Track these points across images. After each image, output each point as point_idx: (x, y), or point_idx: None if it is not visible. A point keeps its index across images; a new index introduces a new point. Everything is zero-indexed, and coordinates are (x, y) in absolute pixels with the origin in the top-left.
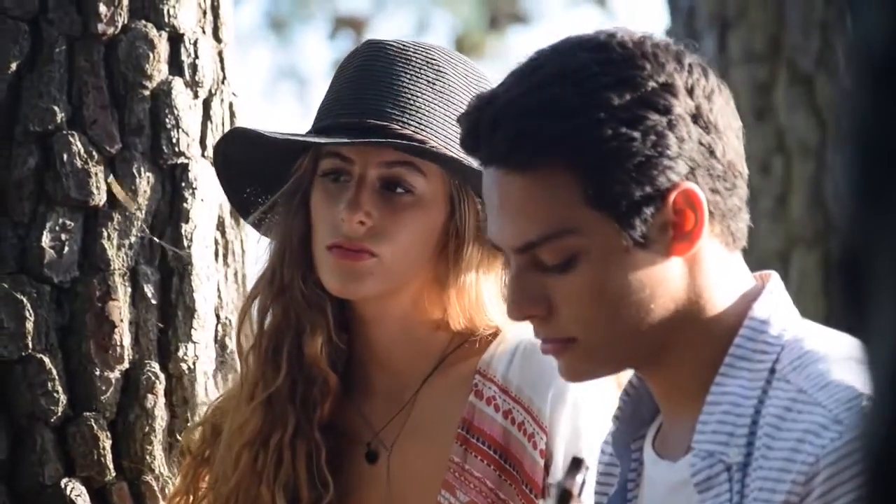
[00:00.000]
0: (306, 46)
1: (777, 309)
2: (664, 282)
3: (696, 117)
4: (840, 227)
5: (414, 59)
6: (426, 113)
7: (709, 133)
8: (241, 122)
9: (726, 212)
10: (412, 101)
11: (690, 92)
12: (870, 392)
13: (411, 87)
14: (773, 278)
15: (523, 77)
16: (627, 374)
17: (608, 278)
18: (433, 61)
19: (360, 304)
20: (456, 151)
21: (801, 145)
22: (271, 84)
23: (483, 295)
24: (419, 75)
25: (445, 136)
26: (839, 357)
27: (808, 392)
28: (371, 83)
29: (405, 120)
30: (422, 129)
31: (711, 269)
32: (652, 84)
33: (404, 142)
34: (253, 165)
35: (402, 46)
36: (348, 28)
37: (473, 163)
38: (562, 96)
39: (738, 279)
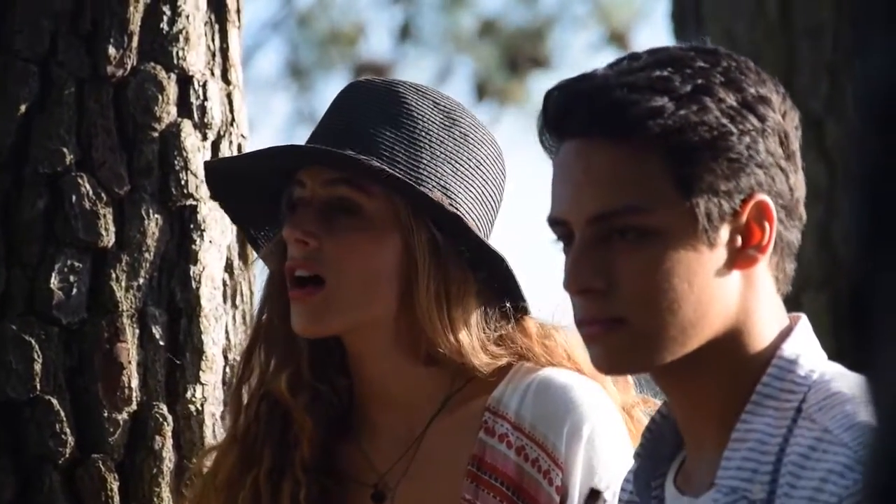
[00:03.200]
0: (328, 93)
1: (806, 349)
2: (721, 291)
3: (783, 141)
4: (848, 268)
5: (377, 90)
6: (374, 135)
7: (789, 160)
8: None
9: (784, 247)
10: (362, 125)
11: (783, 115)
12: (872, 429)
13: (361, 113)
14: (803, 319)
15: (625, 62)
16: (631, 400)
17: (674, 265)
18: (395, 91)
19: (348, 342)
20: (403, 172)
21: (810, 188)
22: (291, 131)
23: (452, 330)
24: (374, 103)
25: (392, 159)
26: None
27: (834, 432)
28: (330, 114)
29: (351, 140)
30: (366, 150)
31: (762, 298)
32: (753, 92)
33: (323, 148)
34: (251, 206)
35: (368, 81)
36: (370, 75)
37: (429, 191)
38: (670, 78)
39: (778, 317)
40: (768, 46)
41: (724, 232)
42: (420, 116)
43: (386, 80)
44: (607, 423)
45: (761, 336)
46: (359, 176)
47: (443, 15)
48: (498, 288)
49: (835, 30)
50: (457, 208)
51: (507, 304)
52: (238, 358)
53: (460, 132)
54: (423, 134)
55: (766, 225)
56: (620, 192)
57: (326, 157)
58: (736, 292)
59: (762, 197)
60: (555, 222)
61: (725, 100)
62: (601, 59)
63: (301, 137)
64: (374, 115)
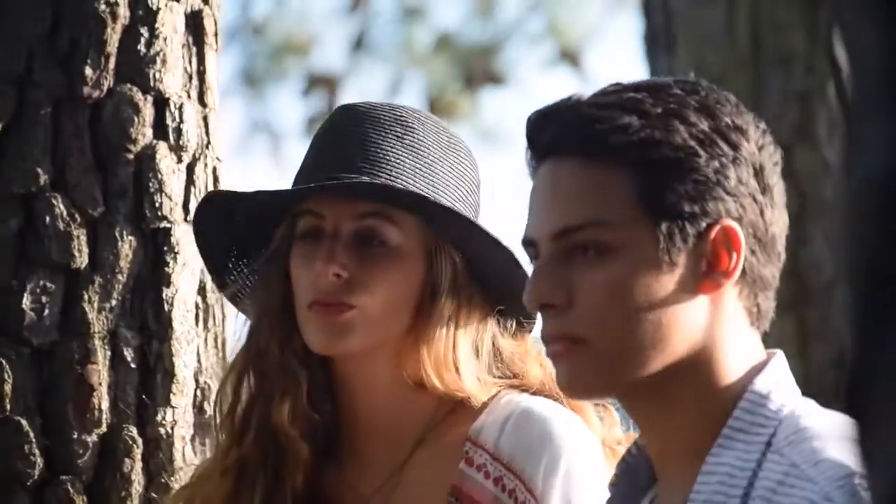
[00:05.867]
0: (280, 103)
1: (778, 384)
2: (684, 315)
3: (758, 173)
4: (848, 358)
5: (382, 117)
6: (396, 165)
7: (764, 194)
8: (224, 187)
9: (757, 279)
10: (381, 155)
11: (760, 149)
12: None
13: (380, 141)
14: (778, 355)
15: (604, 87)
16: (615, 438)
17: (634, 283)
18: (402, 118)
19: (343, 365)
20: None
21: None
22: (245, 139)
23: (452, 351)
24: (388, 131)
25: (416, 187)
26: (834, 436)
27: (801, 467)
28: (340, 142)
29: (374, 171)
30: (391, 179)
31: (731, 329)
32: (728, 121)
33: (364, 182)
34: (233, 235)
35: (370, 106)
36: (322, 86)
37: (443, 202)
38: (642, 100)
39: (752, 353)
40: (738, 73)
41: (688, 254)
42: (426, 141)
43: (383, 103)
44: (586, 457)
45: (731, 367)
46: (391, 208)
47: (398, 27)
48: (505, 305)
49: (805, 58)
50: (468, 216)
51: (511, 323)
52: (210, 381)
53: (457, 157)
54: (433, 159)
55: (734, 252)
56: (581, 207)
57: (366, 190)
58: (702, 318)
59: (729, 223)
60: (525, 243)
61: (697, 124)
62: (554, 75)
63: (255, 145)
64: (385, 141)
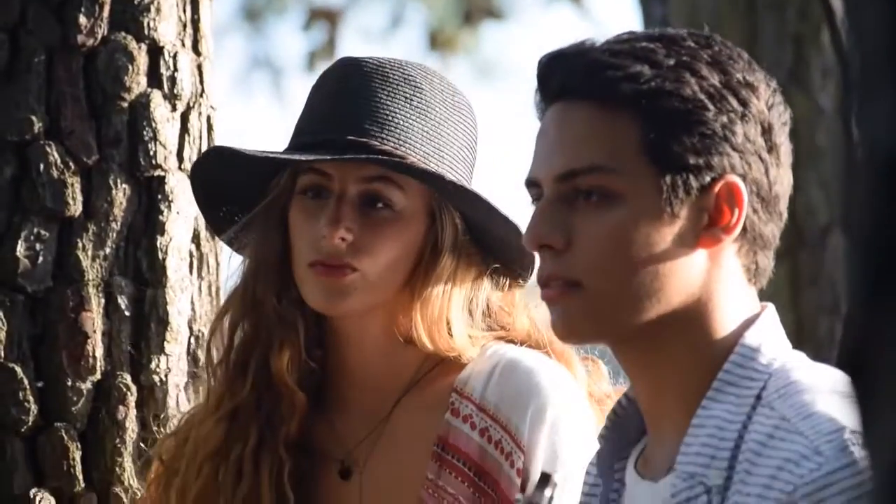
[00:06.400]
0: (280, 37)
1: (769, 338)
2: (682, 267)
3: (765, 131)
4: (848, 325)
5: (391, 75)
6: (405, 129)
7: (770, 153)
8: (218, 135)
9: (757, 237)
10: (390, 118)
11: (769, 107)
12: (870, 488)
13: (389, 103)
14: (769, 309)
15: (622, 34)
16: (602, 391)
17: (634, 232)
18: (410, 78)
19: (339, 321)
20: (435, 166)
21: None
22: (245, 74)
23: (446, 311)
24: (396, 92)
25: (424, 152)
26: (825, 389)
27: (791, 421)
28: (348, 100)
29: (384, 136)
30: (401, 145)
31: (728, 283)
32: (739, 77)
33: (384, 157)
34: (230, 183)
35: (378, 63)
36: (323, 19)
37: (454, 178)
38: (655, 51)
39: (746, 305)
40: (732, 16)
41: (690, 207)
42: (433, 102)
43: (389, 59)
44: (572, 408)
45: (725, 321)
46: (402, 174)
47: None
48: (501, 264)
49: (799, 3)
50: (478, 193)
51: (505, 280)
52: (204, 329)
53: (460, 116)
54: (439, 121)
55: (736, 208)
56: (588, 151)
57: (381, 161)
58: (700, 271)
59: (734, 179)
60: (529, 183)
61: (708, 78)
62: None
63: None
64: (395, 102)
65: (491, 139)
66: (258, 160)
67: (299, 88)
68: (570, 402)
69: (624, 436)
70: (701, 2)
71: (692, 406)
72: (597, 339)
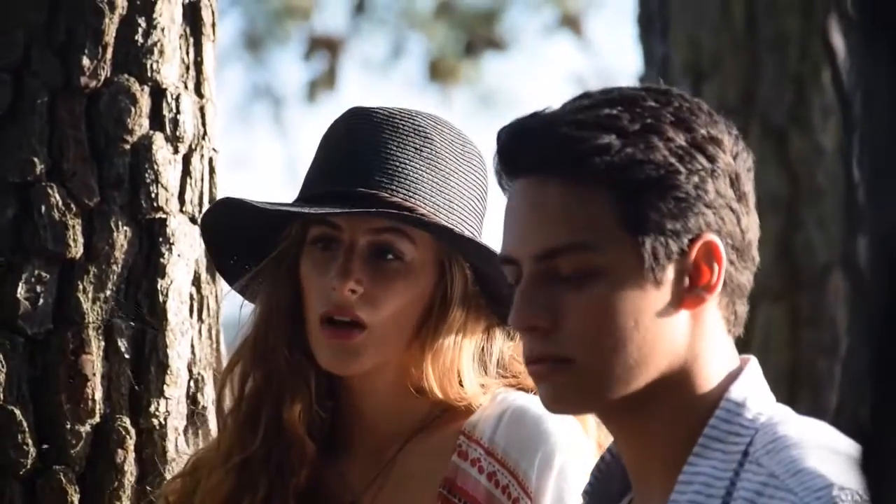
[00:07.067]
0: (281, 66)
1: (753, 392)
2: (668, 331)
3: (734, 182)
4: (860, 405)
5: (401, 126)
6: (414, 180)
7: (740, 202)
8: (220, 178)
9: (735, 288)
10: (401, 169)
11: (735, 157)
12: None
13: (399, 154)
14: (752, 362)
15: (575, 100)
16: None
17: (620, 305)
18: (420, 128)
19: (349, 376)
20: (445, 217)
21: (771, 199)
22: (246, 103)
23: (457, 362)
24: (406, 142)
25: (434, 203)
26: (813, 444)
27: (780, 477)
28: (358, 151)
29: (394, 188)
30: (411, 197)
31: (711, 339)
32: (704, 132)
33: (394, 211)
34: (241, 233)
35: (388, 113)
36: (323, 49)
37: (464, 230)
38: (619, 117)
39: (728, 358)
40: (733, 55)
41: (671, 271)
42: (443, 152)
43: (399, 109)
44: (579, 455)
45: (709, 378)
46: (412, 226)
47: None
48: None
49: (800, 41)
50: (488, 246)
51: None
52: (203, 372)
53: (469, 165)
54: (449, 171)
55: (715, 265)
56: (565, 229)
57: (391, 215)
58: (684, 332)
59: (711, 237)
60: (504, 260)
61: (675, 139)
62: (554, 41)
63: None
64: (404, 153)
65: (491, 171)
66: (268, 212)
67: (299, 118)
68: (578, 448)
69: (608, 491)
70: (702, 40)
71: (678, 462)
72: (587, 410)
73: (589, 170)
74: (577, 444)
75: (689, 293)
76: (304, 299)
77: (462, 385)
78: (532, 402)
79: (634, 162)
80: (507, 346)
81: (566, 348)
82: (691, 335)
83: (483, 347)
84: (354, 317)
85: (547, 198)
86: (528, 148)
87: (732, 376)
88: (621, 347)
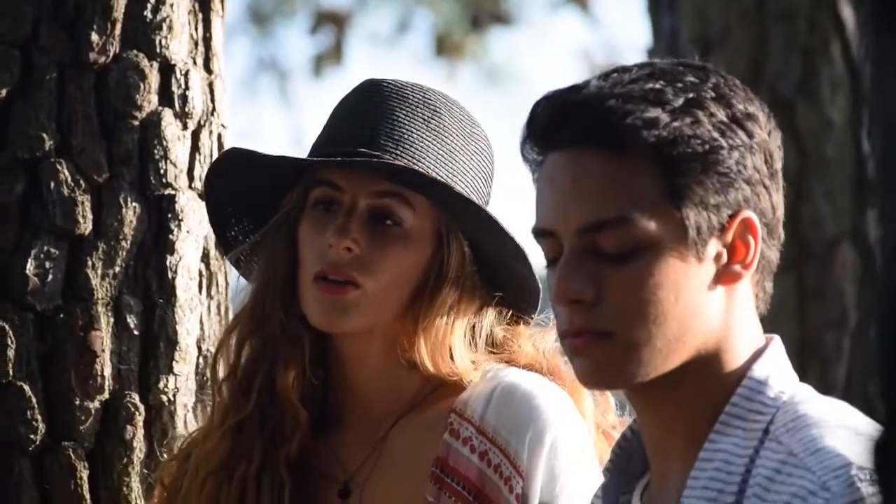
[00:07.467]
0: (287, 41)
1: (776, 370)
2: (705, 307)
3: (767, 159)
4: (878, 413)
5: (410, 97)
6: (420, 147)
7: (772, 179)
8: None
9: (766, 265)
10: (406, 136)
11: (769, 134)
12: None
13: (406, 122)
14: (776, 340)
15: (612, 74)
16: (609, 422)
17: (662, 277)
18: (429, 102)
19: (339, 341)
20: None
21: None
22: (252, 77)
23: (449, 337)
24: (415, 112)
25: (437, 172)
26: (833, 424)
27: (799, 456)
28: (366, 117)
29: (398, 152)
30: (415, 163)
31: (742, 316)
32: (742, 108)
33: (394, 163)
34: (242, 197)
35: (399, 84)
36: (330, 23)
37: (464, 193)
38: (663, 91)
39: (755, 336)
40: (741, 28)
41: (713, 246)
42: (450, 128)
43: (411, 83)
44: (570, 432)
45: (737, 355)
46: (412, 189)
47: None
48: (506, 294)
49: (809, 13)
50: (488, 211)
51: (508, 311)
52: (212, 348)
53: (476, 147)
54: (454, 147)
55: (752, 241)
56: (612, 201)
57: (390, 169)
58: (720, 309)
59: (748, 213)
60: (541, 233)
61: (716, 114)
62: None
63: (262, 83)
64: (412, 122)
65: (497, 145)
66: (269, 163)
67: (305, 92)
68: (569, 425)
69: (629, 468)
70: (710, 13)
71: (700, 439)
72: (625, 385)
73: (638, 143)
74: (568, 421)
75: (726, 269)
76: (301, 260)
77: (453, 359)
78: (522, 378)
79: (682, 135)
80: (504, 329)
81: (607, 322)
82: (725, 312)
83: (476, 324)
84: (349, 277)
85: (590, 170)
86: (573, 121)
87: (757, 354)
88: (662, 321)
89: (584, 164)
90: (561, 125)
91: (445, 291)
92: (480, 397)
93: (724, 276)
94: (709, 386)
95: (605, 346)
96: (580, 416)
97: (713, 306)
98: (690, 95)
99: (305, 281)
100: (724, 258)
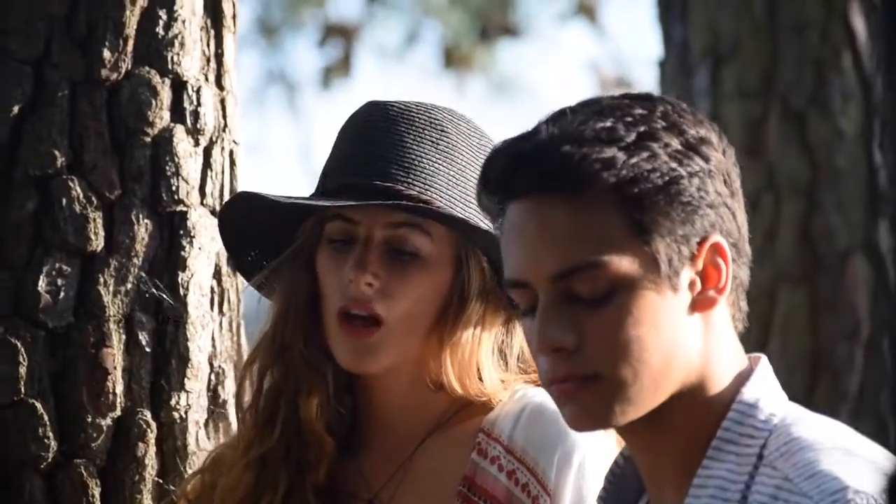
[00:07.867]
0: (296, 53)
1: (766, 392)
2: (685, 337)
3: (726, 179)
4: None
5: (417, 119)
6: (431, 173)
7: (733, 198)
8: (241, 171)
9: (738, 285)
10: (416, 162)
11: (724, 154)
12: None
13: (415, 147)
14: (763, 361)
15: (566, 115)
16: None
17: (642, 315)
18: (436, 121)
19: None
20: (461, 211)
21: (791, 182)
22: (260, 89)
23: (477, 353)
24: (423, 135)
25: (450, 197)
26: (828, 446)
27: (795, 481)
28: (374, 144)
29: (410, 181)
30: (427, 190)
31: (720, 340)
32: (694, 133)
33: (409, 203)
34: (258, 227)
35: (404, 107)
36: (338, 36)
37: (480, 222)
38: (614, 128)
39: (736, 357)
40: (752, 40)
41: (685, 275)
42: (459, 146)
43: (416, 103)
44: (598, 452)
45: (720, 379)
46: (428, 219)
47: None
48: None
49: (821, 24)
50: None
51: None
52: (224, 365)
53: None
54: (464, 164)
55: (723, 265)
56: (579, 247)
57: (406, 207)
58: (699, 336)
59: (716, 237)
60: (515, 284)
61: (670, 143)
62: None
63: (272, 95)
64: (420, 147)
65: None
66: (283, 206)
67: (314, 104)
68: (597, 445)
69: (622, 495)
70: (721, 24)
71: (692, 466)
72: (617, 424)
73: (598, 185)
74: (596, 441)
75: (701, 296)
76: (322, 295)
77: (482, 380)
78: (551, 399)
79: (641, 171)
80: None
81: (592, 365)
82: (705, 338)
83: (503, 342)
84: (371, 311)
85: (555, 217)
86: (528, 169)
87: (743, 376)
88: (647, 357)
89: (548, 212)
90: (517, 175)
91: (469, 309)
92: (509, 417)
93: (700, 303)
94: (697, 413)
95: (592, 389)
96: (607, 436)
97: (693, 334)
98: (642, 129)
99: (329, 317)
100: (698, 285)
